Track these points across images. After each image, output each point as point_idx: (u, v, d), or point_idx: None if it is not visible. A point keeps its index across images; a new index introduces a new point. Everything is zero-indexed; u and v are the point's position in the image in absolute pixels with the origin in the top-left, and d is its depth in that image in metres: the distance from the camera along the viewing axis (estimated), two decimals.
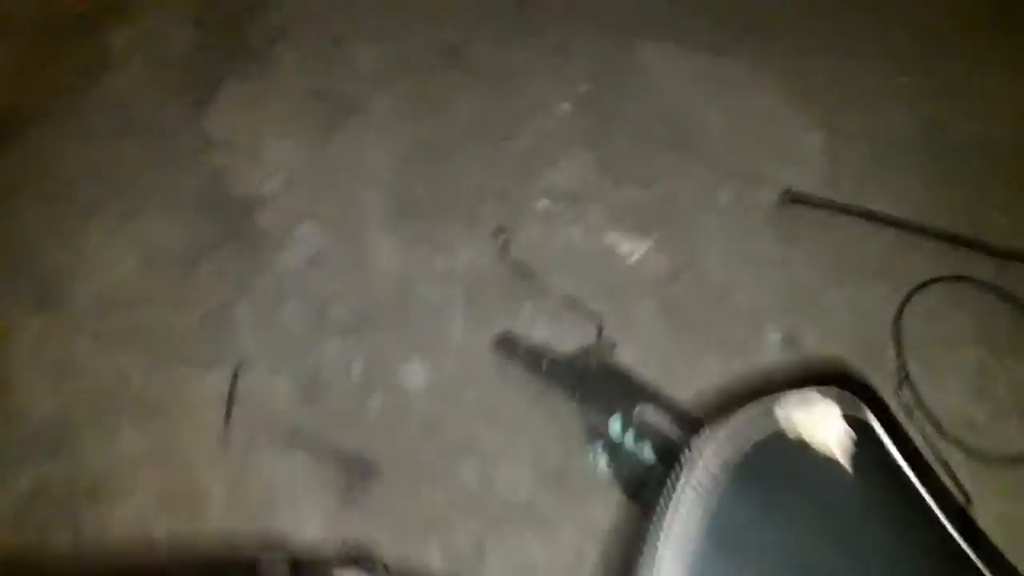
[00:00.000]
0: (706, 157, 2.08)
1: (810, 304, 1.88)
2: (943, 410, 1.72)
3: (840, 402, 0.77)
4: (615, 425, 1.52)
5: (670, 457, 0.73)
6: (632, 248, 1.95)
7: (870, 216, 1.96)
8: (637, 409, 1.56)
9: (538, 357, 1.74)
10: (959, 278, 1.88)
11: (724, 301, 1.89)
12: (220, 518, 1.64)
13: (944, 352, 1.80)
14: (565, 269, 1.91)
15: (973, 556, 0.71)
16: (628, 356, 1.79)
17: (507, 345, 1.80)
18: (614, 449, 1.56)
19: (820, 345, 1.83)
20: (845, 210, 1.97)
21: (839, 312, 1.87)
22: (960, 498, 1.58)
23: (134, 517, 1.64)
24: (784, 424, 0.74)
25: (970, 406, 1.72)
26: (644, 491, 1.38)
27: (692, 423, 1.47)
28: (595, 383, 1.71)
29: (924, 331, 1.83)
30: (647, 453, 1.45)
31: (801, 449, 0.73)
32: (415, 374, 1.80)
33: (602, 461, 1.56)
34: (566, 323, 1.84)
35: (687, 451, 0.72)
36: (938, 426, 1.69)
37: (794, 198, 2.00)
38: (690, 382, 1.77)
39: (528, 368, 1.75)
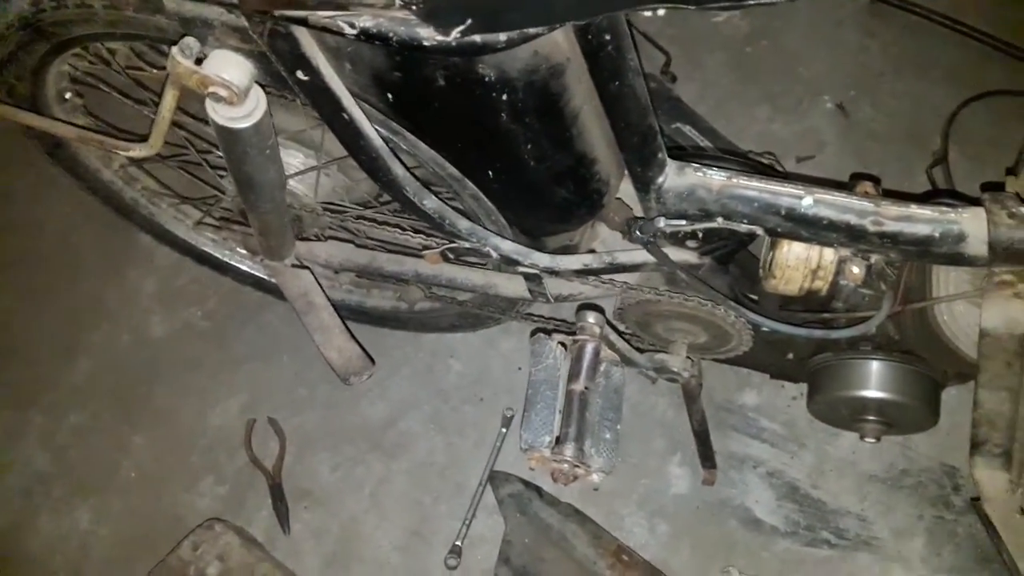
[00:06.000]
0: None
1: (872, 87, 1.96)
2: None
3: None
4: None
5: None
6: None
7: (955, 26, 2.00)
8: (675, 125, 1.71)
9: None
10: None
11: (791, 68, 2.00)
12: None
13: (989, 151, 1.84)
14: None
15: None
16: (685, 92, 1.93)
17: None
18: None
19: (870, 121, 1.92)
20: (932, 16, 2.01)
21: (899, 99, 1.94)
22: None
23: None
24: None
25: None
26: None
27: (725, 147, 1.61)
28: None
29: (977, 131, 1.87)
30: None
31: None
32: None
33: None
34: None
35: None
36: None
37: None
38: (735, 123, 1.91)
39: None
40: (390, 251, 1.31)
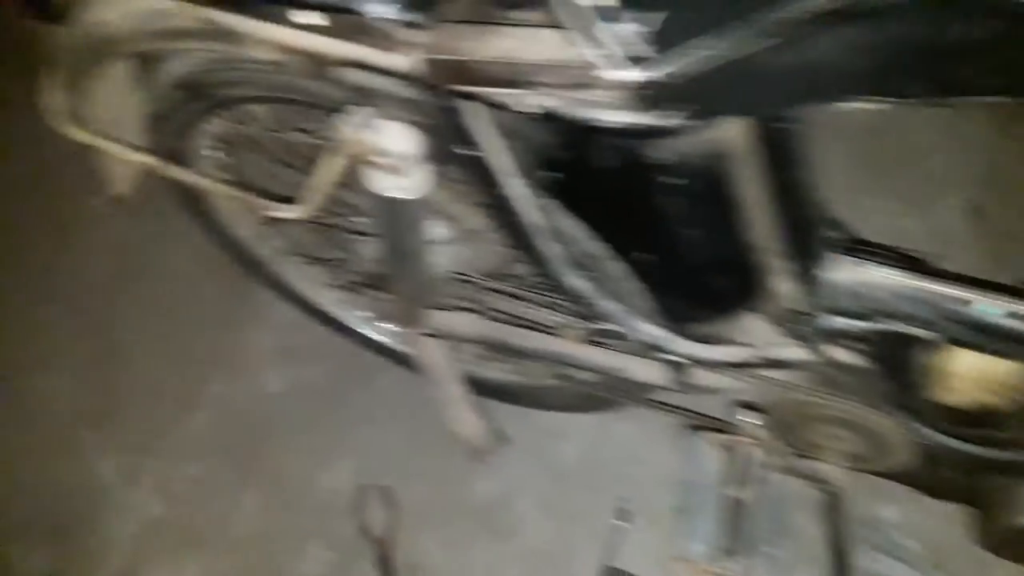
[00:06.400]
0: None
1: (1006, 186, 1.85)
2: None
3: None
4: None
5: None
6: None
7: None
8: None
9: None
10: None
11: (920, 162, 1.91)
12: None
13: None
14: None
15: None
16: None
17: None
18: None
19: (1004, 221, 1.80)
20: None
21: None
22: None
23: None
24: None
25: None
26: None
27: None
28: None
29: None
30: None
31: None
32: None
33: None
34: None
35: None
36: None
37: None
38: (861, 215, 1.83)
39: None
40: (516, 324, 1.28)
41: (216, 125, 1.24)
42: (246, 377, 1.77)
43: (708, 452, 0.98)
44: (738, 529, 0.92)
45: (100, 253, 1.96)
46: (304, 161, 1.33)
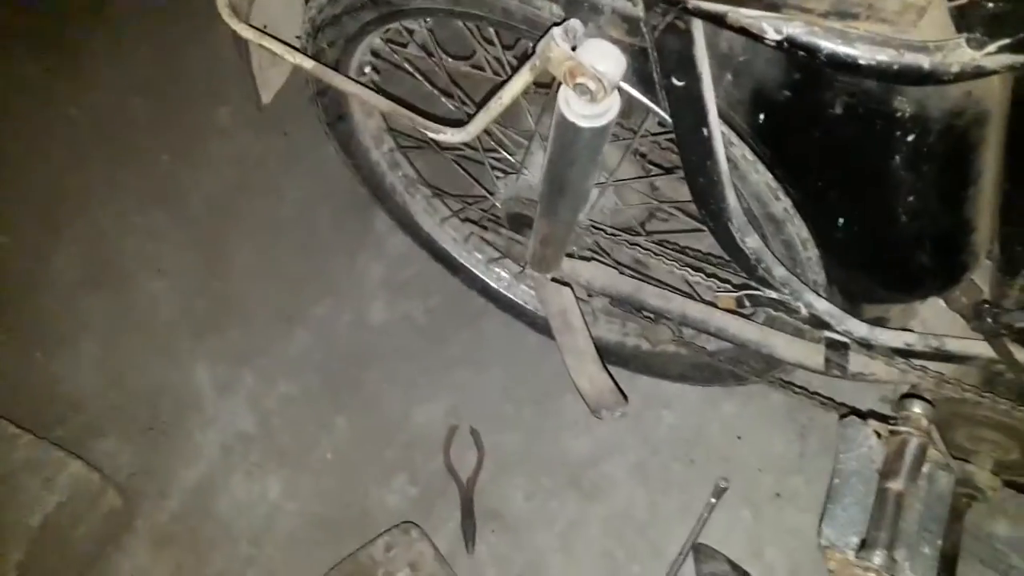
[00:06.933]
0: None
1: None
2: None
3: None
4: None
5: None
6: None
7: None
8: None
9: None
10: None
11: None
12: None
13: None
14: None
15: None
16: None
17: None
18: None
19: None
20: None
21: None
22: None
23: None
24: None
25: None
26: None
27: None
28: None
29: None
30: None
31: None
32: None
33: None
34: None
35: None
36: None
37: None
38: None
39: None
40: (651, 283, 1.23)
41: (380, 41, 1.20)
42: (351, 304, 1.76)
43: (870, 441, 0.92)
44: (893, 522, 0.87)
45: (221, 165, 1.95)
46: (452, 87, 1.30)
